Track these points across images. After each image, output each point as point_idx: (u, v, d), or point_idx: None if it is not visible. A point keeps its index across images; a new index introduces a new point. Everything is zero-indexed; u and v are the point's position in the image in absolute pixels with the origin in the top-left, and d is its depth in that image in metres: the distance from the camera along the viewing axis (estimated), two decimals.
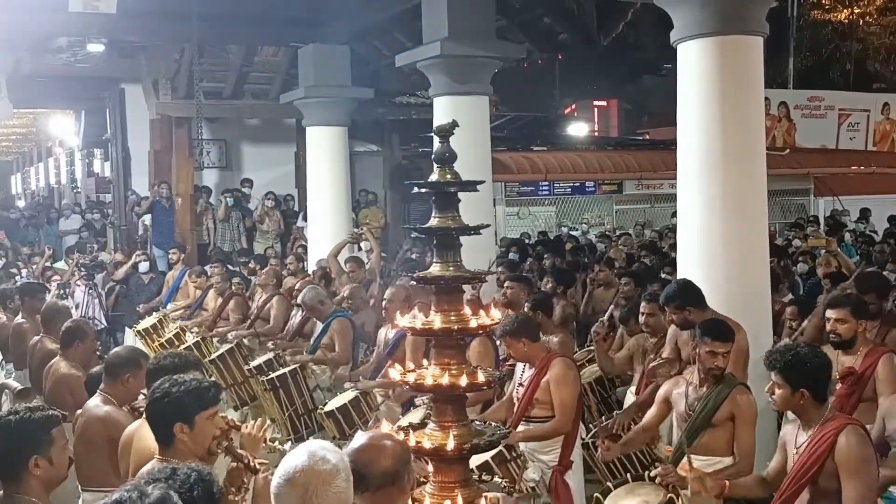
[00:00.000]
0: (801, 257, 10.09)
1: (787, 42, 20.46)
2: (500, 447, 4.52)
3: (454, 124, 3.94)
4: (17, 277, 11.32)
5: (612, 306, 7.55)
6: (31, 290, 7.73)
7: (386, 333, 6.67)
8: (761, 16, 6.07)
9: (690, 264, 6.12)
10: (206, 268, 10.55)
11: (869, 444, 3.68)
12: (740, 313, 5.50)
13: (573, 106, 24.17)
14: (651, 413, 4.90)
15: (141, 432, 3.57)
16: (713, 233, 6.04)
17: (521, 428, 5.21)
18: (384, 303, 6.65)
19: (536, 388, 5.18)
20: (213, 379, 3.75)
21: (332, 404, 6.21)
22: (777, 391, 3.78)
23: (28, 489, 3.09)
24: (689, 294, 5.39)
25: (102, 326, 10.84)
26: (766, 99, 18.65)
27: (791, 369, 3.74)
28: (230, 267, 11.56)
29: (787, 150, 18.58)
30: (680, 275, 6.30)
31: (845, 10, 22.47)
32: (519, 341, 5.19)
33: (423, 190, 3.95)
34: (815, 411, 3.74)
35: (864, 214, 15.93)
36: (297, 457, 2.37)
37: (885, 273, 7.99)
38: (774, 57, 19.78)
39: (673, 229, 9.96)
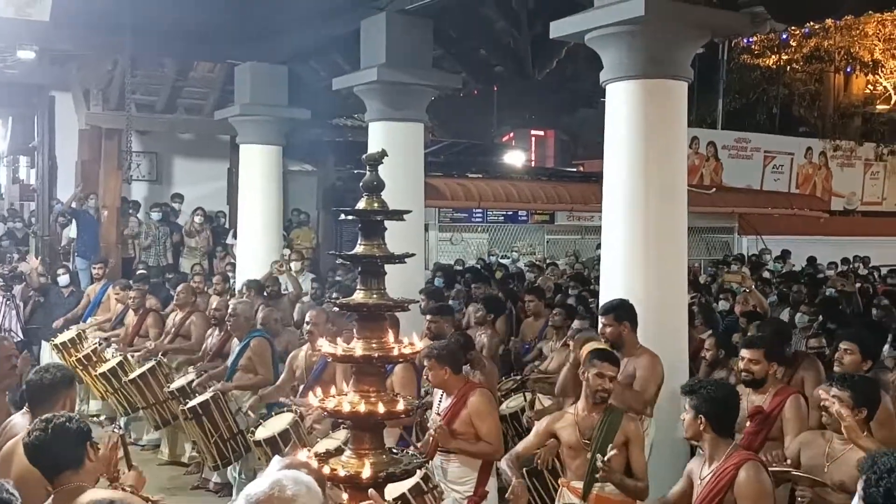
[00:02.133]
0: (722, 294, 10.39)
1: (716, 84, 21.18)
2: (417, 479, 4.51)
3: (383, 153, 3.98)
4: None
5: (538, 340, 7.65)
6: None
7: (307, 355, 6.62)
8: (686, 62, 6.30)
9: (611, 295, 6.27)
10: (131, 282, 10.36)
11: (767, 479, 3.86)
12: (657, 346, 5.70)
13: (511, 134, 24.49)
14: (527, 441, 4.96)
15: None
16: (634, 266, 6.22)
17: (437, 458, 5.23)
18: (306, 326, 6.62)
19: (454, 419, 5.20)
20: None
21: (262, 433, 6.03)
22: (683, 416, 4.03)
23: None
24: (628, 310, 5.67)
25: (18, 339, 10.52)
26: (696, 138, 19.33)
27: (694, 395, 4.00)
28: (154, 282, 11.37)
29: (714, 189, 19.16)
30: (600, 305, 6.44)
31: (773, 56, 23.36)
32: (442, 368, 5.23)
33: (351, 217, 3.99)
34: (717, 443, 3.93)
35: (784, 255, 16.48)
36: (259, 484, 2.41)
37: (799, 313, 8.30)
38: (704, 97, 20.44)
39: (598, 260, 10.16)
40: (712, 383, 4.17)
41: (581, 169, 21.37)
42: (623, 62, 6.16)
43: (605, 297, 6.39)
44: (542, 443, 4.90)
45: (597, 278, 8.77)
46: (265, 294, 9.37)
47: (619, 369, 4.96)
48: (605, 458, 4.43)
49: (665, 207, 6.25)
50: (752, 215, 19.07)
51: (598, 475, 4.43)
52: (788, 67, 23.66)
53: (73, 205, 13.08)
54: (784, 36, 22.07)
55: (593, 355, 4.78)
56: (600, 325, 5.72)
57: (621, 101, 6.24)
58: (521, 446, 4.97)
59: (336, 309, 5.45)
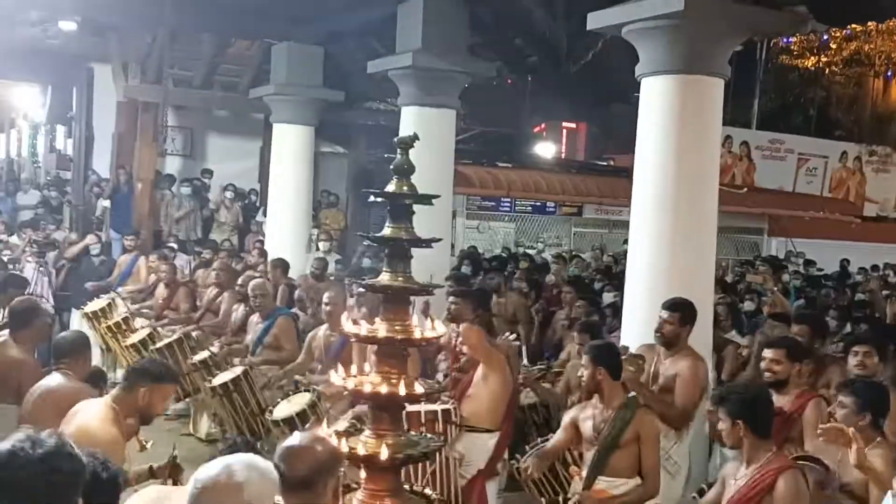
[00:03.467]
0: (749, 295, 10.32)
1: (753, 84, 20.92)
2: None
3: (415, 137, 4.02)
4: None
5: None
6: None
7: (326, 335, 6.68)
8: (724, 59, 6.26)
9: (637, 292, 6.27)
10: (164, 252, 10.53)
11: (805, 488, 3.83)
12: None
13: (543, 125, 24.39)
14: (557, 437, 4.99)
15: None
16: (660, 263, 6.20)
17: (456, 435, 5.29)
18: (325, 305, 6.68)
19: (469, 384, 5.27)
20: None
21: (281, 412, 6.10)
22: (720, 425, 3.99)
23: None
24: (694, 313, 5.51)
25: (50, 306, 10.70)
26: (729, 137, 19.14)
27: (726, 401, 3.96)
28: (185, 255, 11.53)
29: (745, 189, 18.98)
30: (626, 301, 6.45)
31: (812, 58, 23.05)
32: (480, 335, 5.31)
33: (380, 199, 4.03)
34: (756, 446, 3.90)
35: (808, 263, 16.22)
36: (210, 467, 2.38)
37: (828, 317, 8.21)
38: (740, 97, 20.21)
39: (626, 255, 10.14)
40: (741, 387, 4.16)
41: (612, 163, 21.24)
42: (660, 57, 6.13)
43: (630, 293, 6.39)
44: (569, 436, 4.89)
45: (622, 272, 8.75)
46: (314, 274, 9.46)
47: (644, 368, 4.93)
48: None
49: (695, 205, 6.22)
50: (782, 217, 18.88)
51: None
52: (827, 70, 23.34)
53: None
54: (825, 38, 21.76)
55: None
56: (659, 319, 5.51)
57: (656, 95, 6.21)
58: (550, 443, 5.00)
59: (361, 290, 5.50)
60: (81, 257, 11.32)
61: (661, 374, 5.42)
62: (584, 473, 4.72)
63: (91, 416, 3.74)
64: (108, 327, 8.99)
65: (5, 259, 10.08)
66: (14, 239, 12.16)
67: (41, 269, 10.46)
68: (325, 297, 6.83)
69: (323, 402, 6.14)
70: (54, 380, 4.33)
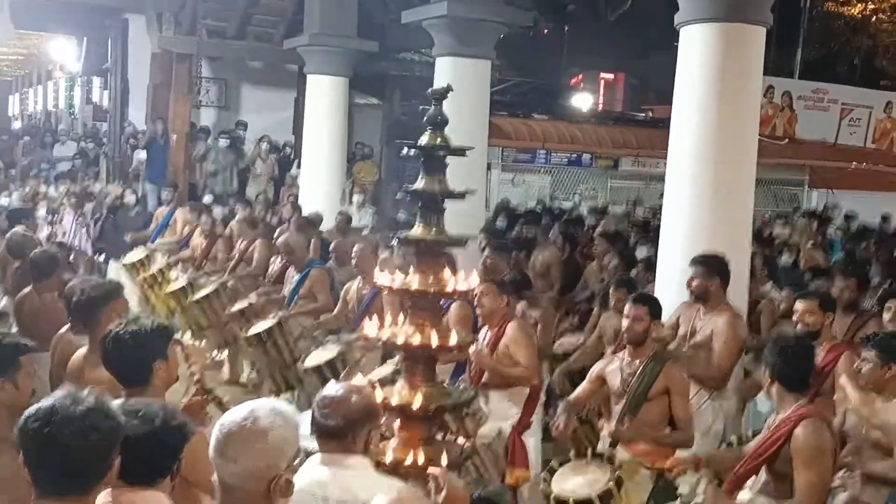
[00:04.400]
0: (786, 248, 10.17)
1: (796, 32, 20.35)
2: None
3: (448, 88, 3.97)
4: (7, 199, 11.34)
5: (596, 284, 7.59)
6: (20, 215, 7.76)
7: (358, 288, 6.72)
8: (766, 6, 6.07)
9: (672, 246, 6.19)
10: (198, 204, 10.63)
11: (826, 437, 3.79)
12: None
13: (580, 76, 24.03)
14: (582, 388, 4.99)
15: (92, 360, 3.62)
16: (697, 216, 6.10)
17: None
18: (353, 257, 6.71)
19: (493, 351, 5.27)
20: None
21: (311, 361, 6.19)
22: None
23: None
24: (723, 267, 5.40)
25: (88, 257, 10.88)
26: (771, 87, 18.69)
27: (766, 350, 3.99)
28: (221, 207, 11.62)
29: (786, 140, 18.59)
30: (660, 255, 6.39)
31: (859, 5, 22.33)
32: (500, 296, 5.33)
33: (413, 152, 4.00)
34: (783, 397, 3.90)
35: (850, 216, 15.89)
36: (234, 412, 2.41)
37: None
38: (782, 46, 19.69)
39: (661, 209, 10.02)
40: (783, 338, 4.13)
41: (650, 115, 20.92)
42: (699, 4, 5.95)
43: (665, 248, 6.32)
44: (595, 388, 4.90)
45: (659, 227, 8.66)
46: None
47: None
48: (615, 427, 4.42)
49: (733, 157, 6.09)
50: (824, 168, 18.50)
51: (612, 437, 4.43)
52: (874, 17, 22.61)
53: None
54: None
55: (633, 299, 4.77)
56: (688, 276, 5.45)
57: (695, 44, 6.05)
58: (576, 393, 5.00)
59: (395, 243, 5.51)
60: (117, 209, 11.45)
61: (697, 331, 5.38)
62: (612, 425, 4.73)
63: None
64: (146, 279, 9.12)
65: (43, 210, 10.21)
66: (52, 190, 12.34)
67: (79, 220, 10.62)
68: (353, 250, 6.86)
69: (352, 352, 6.22)
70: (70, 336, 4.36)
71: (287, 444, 2.37)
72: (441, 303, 5.15)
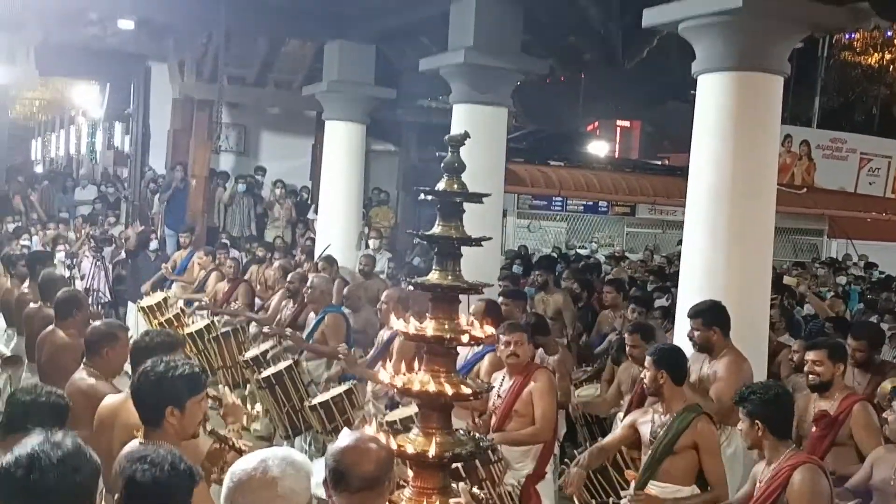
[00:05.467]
0: (808, 298, 10.07)
1: (814, 81, 20.42)
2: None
3: (466, 135, 3.98)
4: (27, 242, 11.43)
5: (615, 334, 7.55)
6: (39, 258, 7.80)
7: (382, 334, 6.71)
8: (784, 55, 6.10)
9: (690, 293, 6.14)
10: (219, 252, 10.68)
11: (823, 483, 3.78)
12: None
13: (596, 124, 24.17)
14: (614, 435, 4.97)
15: (128, 406, 3.60)
16: (715, 264, 6.07)
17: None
18: (380, 304, 6.71)
19: (516, 399, 5.23)
20: (196, 363, 3.77)
21: (318, 399, 6.25)
22: (740, 425, 4.00)
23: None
24: (719, 314, 5.41)
25: (107, 300, 10.94)
26: (789, 136, 18.71)
27: (746, 402, 3.95)
28: (237, 251, 11.68)
29: (805, 189, 18.55)
30: (679, 303, 6.33)
31: (876, 55, 22.42)
32: (530, 344, 5.35)
33: (429, 197, 4.00)
34: (775, 446, 3.88)
35: (869, 266, 15.80)
36: (245, 461, 2.41)
37: (882, 323, 7.99)
38: (800, 94, 19.76)
39: (680, 256, 10.00)
40: (762, 387, 4.10)
41: (666, 162, 20.97)
42: (717, 54, 5.99)
43: (683, 295, 6.27)
44: (627, 435, 4.83)
45: (676, 273, 8.62)
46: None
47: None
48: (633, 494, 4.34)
49: (752, 205, 6.07)
50: (843, 218, 18.42)
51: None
52: (891, 67, 22.68)
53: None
54: (888, 34, 21.14)
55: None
56: (689, 328, 5.51)
57: (713, 93, 6.08)
58: (607, 439, 4.99)
59: (412, 288, 5.50)
60: (138, 252, 11.52)
61: (704, 380, 5.36)
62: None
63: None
64: (161, 323, 9.13)
65: (63, 254, 10.29)
66: (71, 234, 12.45)
67: (98, 263, 10.69)
68: (382, 296, 6.87)
69: (358, 393, 6.24)
70: (85, 381, 4.37)
71: (296, 494, 2.35)
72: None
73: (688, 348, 5.50)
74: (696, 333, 5.41)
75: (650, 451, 4.56)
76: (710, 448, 4.49)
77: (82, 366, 4.45)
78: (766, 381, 4.38)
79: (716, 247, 6.07)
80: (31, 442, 2.17)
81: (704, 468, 4.46)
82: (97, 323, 4.80)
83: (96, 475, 2.19)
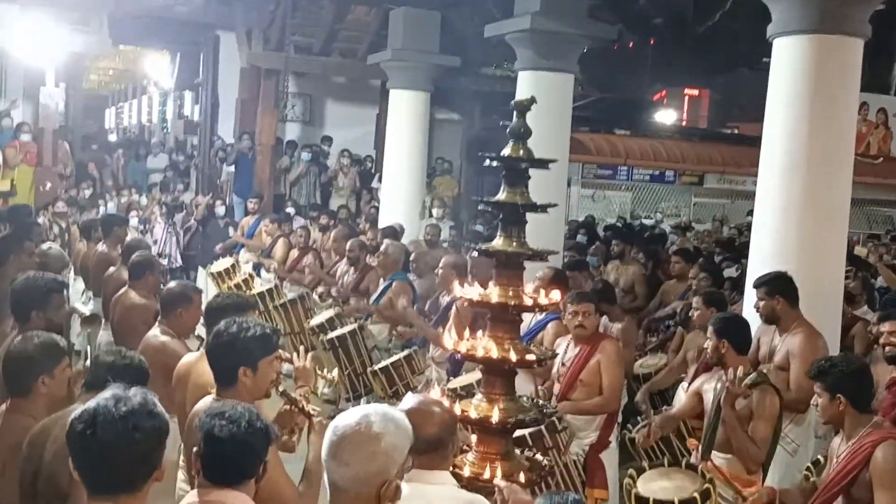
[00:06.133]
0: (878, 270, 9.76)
1: (893, 45, 19.58)
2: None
3: (532, 100, 3.95)
4: (103, 209, 11.77)
5: (681, 301, 7.45)
6: (113, 222, 8.05)
7: (441, 299, 6.75)
8: (864, 17, 5.85)
9: (761, 265, 6.00)
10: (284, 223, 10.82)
11: None
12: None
13: (664, 92, 23.66)
14: (682, 404, 4.96)
15: (199, 367, 3.69)
16: (787, 235, 5.91)
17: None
18: (437, 269, 6.75)
19: (582, 369, 5.21)
20: (273, 325, 3.84)
21: (379, 365, 6.34)
22: (818, 400, 3.84)
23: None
24: (784, 284, 5.29)
25: (178, 265, 11.22)
26: (865, 104, 18.02)
27: (826, 375, 3.79)
28: (302, 219, 11.84)
29: (881, 159, 17.91)
30: (749, 274, 6.20)
31: None
32: (597, 315, 5.33)
33: (493, 163, 3.98)
34: (855, 420, 3.75)
35: None
36: (348, 416, 2.43)
37: None
38: (879, 60, 18.97)
39: (750, 227, 9.78)
40: (842, 359, 3.95)
41: (736, 131, 20.44)
42: (794, 15, 5.78)
43: (753, 266, 6.13)
44: (692, 404, 4.81)
45: (746, 244, 8.44)
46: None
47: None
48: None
49: (828, 175, 5.87)
50: None
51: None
52: None
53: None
54: None
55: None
56: (755, 299, 5.40)
57: (789, 57, 5.87)
58: (677, 408, 5.00)
59: (473, 255, 5.51)
60: (207, 220, 11.76)
61: (775, 353, 5.23)
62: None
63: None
64: (231, 287, 9.32)
65: (135, 220, 10.56)
66: (144, 200, 12.77)
67: (170, 229, 10.93)
68: (440, 262, 6.90)
69: (419, 358, 6.33)
70: (158, 338, 4.54)
71: (397, 451, 2.37)
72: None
73: (756, 320, 5.41)
74: (761, 304, 5.30)
75: (710, 420, 4.51)
76: (764, 415, 4.41)
77: (157, 324, 4.61)
78: (845, 353, 4.22)
79: (788, 218, 5.90)
80: (101, 396, 2.19)
81: (753, 431, 4.37)
82: (172, 284, 4.94)
83: (160, 434, 2.18)
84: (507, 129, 3.90)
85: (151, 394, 2.25)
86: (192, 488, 2.59)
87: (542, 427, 4.47)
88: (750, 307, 5.92)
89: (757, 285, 5.39)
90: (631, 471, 4.24)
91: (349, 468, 2.33)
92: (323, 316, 7.82)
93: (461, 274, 6.57)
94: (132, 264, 5.69)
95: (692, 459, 4.47)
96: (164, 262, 10.28)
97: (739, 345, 4.59)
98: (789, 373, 5.10)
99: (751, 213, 7.70)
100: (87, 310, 7.04)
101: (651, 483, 4.07)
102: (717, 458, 4.40)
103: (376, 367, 6.31)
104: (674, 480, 4.07)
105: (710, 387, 4.66)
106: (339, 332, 7.04)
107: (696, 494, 3.88)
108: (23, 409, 3.32)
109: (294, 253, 9.90)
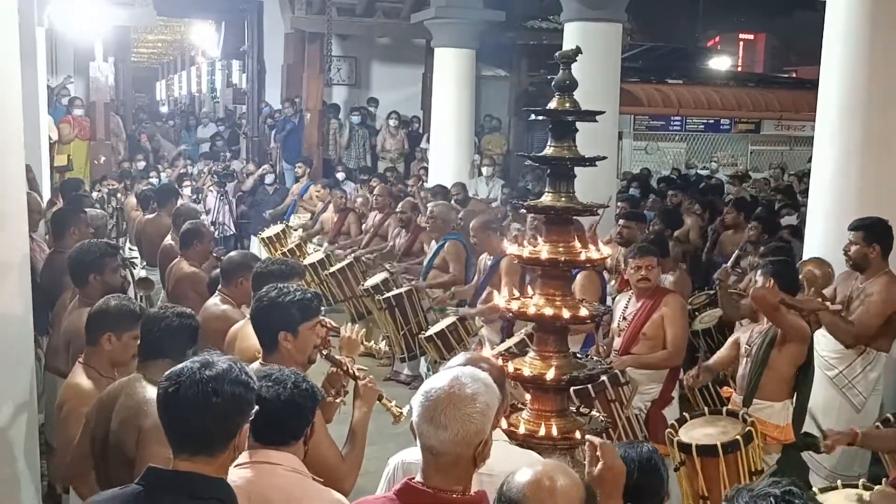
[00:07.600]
0: None
1: None
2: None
3: (577, 51, 3.84)
4: (156, 180, 11.94)
5: (737, 251, 7.30)
6: (168, 193, 8.17)
7: (485, 260, 6.70)
8: None
9: (821, 213, 5.82)
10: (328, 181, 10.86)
11: None
12: None
13: (717, 38, 23.04)
14: (720, 354, 4.93)
15: (245, 331, 3.73)
16: (848, 182, 5.68)
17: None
18: (471, 231, 6.70)
19: (645, 322, 5.15)
20: (314, 290, 3.82)
21: (433, 329, 6.33)
22: (852, 248, 4.57)
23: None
24: (883, 233, 5.08)
25: (231, 233, 11.36)
26: None
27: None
28: (352, 182, 11.86)
29: None
30: (808, 222, 6.02)
31: None
32: (658, 267, 5.28)
33: (541, 118, 3.89)
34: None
35: None
36: (437, 380, 2.42)
37: None
38: None
39: (809, 174, 9.50)
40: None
41: (794, 75, 19.83)
42: None
43: (813, 215, 5.94)
44: (731, 353, 4.81)
45: (805, 191, 8.20)
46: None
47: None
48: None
49: (888, 116, 5.63)
50: None
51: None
52: None
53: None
54: None
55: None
56: (846, 241, 5.19)
57: None
58: (714, 358, 4.96)
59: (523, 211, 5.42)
60: (257, 187, 11.85)
61: (854, 299, 5.10)
62: (734, 397, 4.66)
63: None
64: (283, 254, 9.40)
65: (188, 189, 10.70)
66: (195, 170, 12.93)
67: (222, 198, 11.04)
68: (470, 228, 6.85)
69: (471, 321, 6.30)
70: (219, 307, 4.61)
71: (490, 409, 2.37)
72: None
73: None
74: (854, 248, 5.07)
75: (749, 366, 4.49)
76: (797, 337, 4.44)
77: (217, 292, 4.68)
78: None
79: (849, 164, 5.67)
80: (192, 359, 2.25)
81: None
82: (233, 253, 5.00)
83: (239, 403, 2.20)
84: (552, 82, 3.80)
85: (242, 364, 2.28)
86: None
87: (605, 379, 4.43)
88: (809, 255, 5.77)
89: (854, 228, 5.14)
90: (672, 422, 4.22)
91: (448, 431, 2.31)
92: (376, 278, 7.84)
93: (494, 231, 6.54)
94: (182, 234, 5.80)
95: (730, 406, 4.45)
96: (217, 230, 10.38)
97: (787, 286, 4.53)
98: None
99: (811, 159, 7.45)
100: (141, 273, 7.20)
101: (693, 430, 4.08)
102: (757, 405, 4.37)
103: (431, 332, 6.30)
104: (717, 427, 4.08)
105: (745, 337, 4.66)
106: (395, 292, 7.06)
107: (738, 437, 3.90)
108: (89, 359, 3.60)
109: (334, 216, 9.94)
